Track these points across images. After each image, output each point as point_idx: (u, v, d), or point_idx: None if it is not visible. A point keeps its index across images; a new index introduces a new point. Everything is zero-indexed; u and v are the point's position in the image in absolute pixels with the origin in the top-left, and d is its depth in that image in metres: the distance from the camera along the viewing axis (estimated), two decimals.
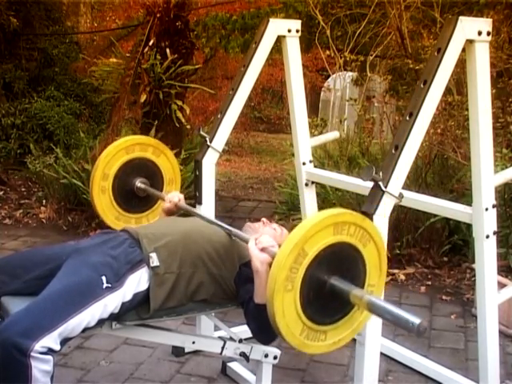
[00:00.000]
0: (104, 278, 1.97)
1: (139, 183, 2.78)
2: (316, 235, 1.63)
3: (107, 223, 2.76)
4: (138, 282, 2.04)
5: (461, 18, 2.12)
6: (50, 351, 1.78)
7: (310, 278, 1.64)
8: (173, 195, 2.59)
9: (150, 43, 5.25)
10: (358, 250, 1.73)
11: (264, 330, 1.96)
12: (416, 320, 1.50)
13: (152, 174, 2.83)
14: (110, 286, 1.96)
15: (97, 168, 2.70)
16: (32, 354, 1.74)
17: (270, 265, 1.81)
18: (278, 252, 1.66)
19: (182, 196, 2.59)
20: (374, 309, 1.62)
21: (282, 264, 1.59)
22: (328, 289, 1.68)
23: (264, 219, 2.47)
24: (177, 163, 2.94)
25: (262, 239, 1.95)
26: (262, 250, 1.92)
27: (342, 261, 1.71)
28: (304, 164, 3.14)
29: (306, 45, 5.80)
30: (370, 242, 1.75)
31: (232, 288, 2.18)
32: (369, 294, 1.69)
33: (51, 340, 1.78)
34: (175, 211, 2.58)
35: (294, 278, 1.61)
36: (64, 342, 1.84)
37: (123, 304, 2.00)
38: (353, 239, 1.71)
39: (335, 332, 1.77)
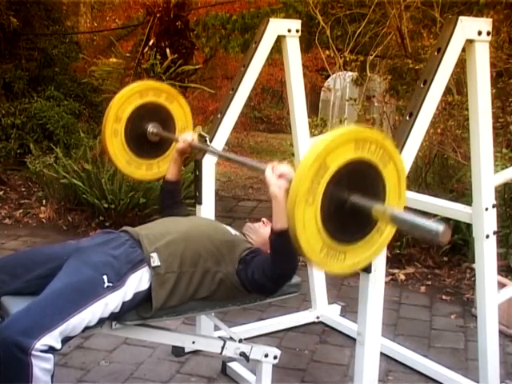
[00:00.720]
0: (105, 277, 1.97)
1: (151, 127, 2.76)
2: (338, 149, 1.61)
3: (118, 167, 2.76)
4: (138, 281, 2.05)
5: (461, 17, 2.12)
6: (51, 350, 1.79)
7: (331, 193, 1.62)
8: (186, 135, 2.59)
9: (150, 43, 5.26)
10: (379, 169, 1.71)
11: (286, 255, 1.95)
12: (439, 227, 1.48)
13: (164, 119, 2.80)
14: (111, 285, 1.97)
15: (110, 109, 2.67)
16: (33, 352, 1.74)
17: (287, 191, 1.77)
18: (299, 165, 1.63)
19: (195, 135, 2.59)
20: (397, 221, 1.61)
21: (303, 175, 1.57)
22: (349, 205, 1.66)
23: (264, 219, 2.47)
24: (189, 111, 2.90)
25: (279, 166, 1.93)
26: (280, 176, 1.90)
27: (362, 179, 1.69)
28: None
29: (306, 45, 5.79)
30: (390, 162, 1.72)
31: (236, 282, 2.17)
32: (391, 207, 1.67)
33: (52, 338, 1.79)
34: (188, 151, 2.60)
35: (316, 191, 1.60)
36: (65, 340, 1.85)
37: (124, 303, 2.00)
38: (374, 157, 1.69)
39: (355, 253, 1.75)
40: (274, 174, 1.91)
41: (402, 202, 1.79)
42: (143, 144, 2.77)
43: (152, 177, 2.86)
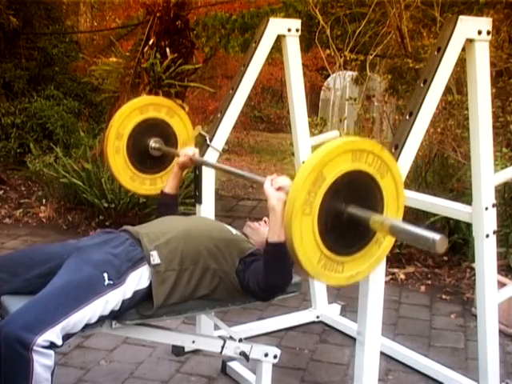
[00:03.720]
0: (106, 275, 1.98)
1: (153, 143, 2.77)
2: (334, 160, 1.62)
3: (122, 183, 2.78)
4: (138, 279, 2.05)
5: (461, 17, 2.12)
6: (52, 346, 1.80)
7: (329, 204, 1.63)
8: (187, 149, 2.61)
9: (150, 42, 5.26)
10: (376, 180, 1.71)
11: (279, 269, 1.95)
12: (436, 236, 1.51)
13: (166, 134, 2.82)
14: (111, 282, 1.97)
15: (111, 127, 2.69)
16: (34, 347, 1.75)
17: (285, 203, 1.77)
18: (296, 175, 1.63)
19: (196, 150, 2.62)
20: (395, 231, 1.61)
21: (300, 186, 1.58)
22: (347, 216, 1.66)
23: (265, 218, 2.47)
24: (190, 125, 2.92)
25: (278, 179, 1.94)
26: (278, 189, 1.91)
27: (360, 190, 1.69)
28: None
29: (306, 44, 5.79)
30: (387, 173, 1.73)
31: (234, 282, 2.17)
32: (389, 218, 1.68)
33: (53, 334, 1.80)
34: (190, 165, 2.63)
35: (313, 202, 1.60)
36: (65, 337, 1.85)
37: (123, 301, 2.00)
38: (371, 168, 1.69)
39: (353, 264, 1.75)
40: (273, 186, 1.92)
41: (400, 212, 1.80)
42: (146, 159, 2.80)
43: (157, 191, 2.88)
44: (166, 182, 2.73)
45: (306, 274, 1.68)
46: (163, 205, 2.65)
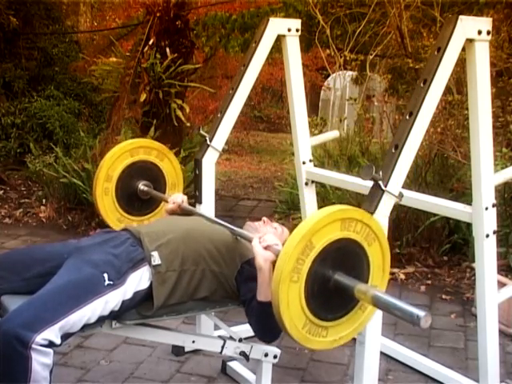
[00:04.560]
0: (106, 275, 1.98)
1: (142, 186, 2.80)
2: (324, 229, 1.65)
3: (109, 224, 2.78)
4: (139, 280, 2.05)
5: (461, 17, 2.12)
6: (51, 344, 1.80)
7: (316, 272, 1.66)
8: (176, 196, 2.61)
9: (150, 42, 5.26)
10: (363, 248, 1.75)
11: (266, 328, 1.98)
12: (421, 313, 1.51)
13: (155, 177, 2.86)
14: (111, 283, 1.97)
15: (101, 169, 2.72)
16: (33, 345, 1.75)
17: (273, 263, 1.82)
18: (285, 243, 1.66)
19: (185, 197, 2.61)
20: (378, 303, 1.63)
21: (289, 254, 1.60)
22: (333, 283, 1.69)
23: (265, 218, 2.48)
24: (179, 167, 2.98)
25: (267, 237, 1.96)
26: (266, 248, 1.93)
27: (347, 257, 1.72)
28: (304, 163, 3.14)
29: (306, 44, 5.79)
30: (375, 241, 1.77)
31: (233, 286, 2.18)
32: (373, 288, 1.70)
33: (52, 333, 1.80)
34: (178, 212, 2.59)
35: (300, 269, 1.63)
36: (64, 337, 1.85)
37: (123, 302, 2.00)
38: (359, 236, 1.73)
39: (337, 329, 1.78)
40: (261, 244, 1.94)
41: (385, 279, 1.83)
42: (134, 202, 2.82)
43: None
44: None
45: (291, 339, 1.71)
46: None
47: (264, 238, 1.96)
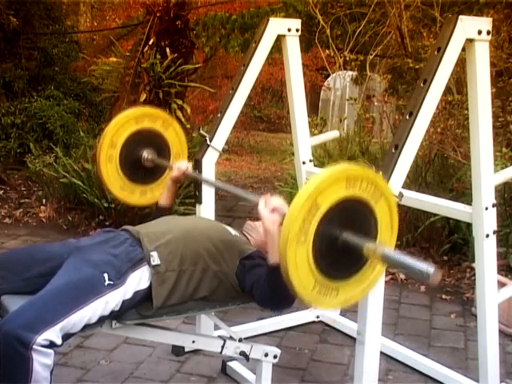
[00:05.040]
0: (106, 275, 1.98)
1: (146, 154, 2.77)
2: (329, 188, 1.63)
3: (112, 192, 2.76)
4: (138, 280, 2.05)
5: (461, 17, 2.12)
6: (52, 345, 1.79)
7: (323, 232, 1.64)
8: (181, 163, 2.60)
9: (150, 42, 5.26)
10: (370, 206, 1.73)
11: (281, 294, 1.95)
12: (430, 269, 1.51)
13: (159, 146, 2.81)
14: (111, 283, 1.97)
15: (105, 135, 2.68)
16: (34, 346, 1.75)
17: (280, 225, 1.79)
18: (291, 204, 1.64)
19: (190, 164, 2.61)
20: (388, 261, 1.63)
21: (295, 215, 1.59)
22: (341, 243, 1.68)
23: None
24: (184, 137, 2.91)
25: (272, 200, 1.93)
26: (273, 210, 1.90)
27: (354, 216, 1.71)
28: (304, 163, 3.14)
29: (306, 44, 5.80)
30: (381, 199, 1.74)
31: (235, 283, 2.18)
32: (382, 246, 1.69)
33: (53, 333, 1.79)
34: (183, 180, 2.61)
35: (307, 230, 1.61)
36: (65, 337, 1.85)
37: (124, 302, 2.00)
38: (365, 195, 1.71)
39: (347, 289, 1.77)
40: (267, 208, 1.92)
41: (394, 236, 1.82)
42: (138, 170, 2.79)
43: (146, 202, 2.87)
44: (156, 195, 2.74)
45: (301, 300, 1.70)
46: (157, 218, 2.64)
47: (269, 200, 1.93)
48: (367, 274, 1.79)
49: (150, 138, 2.77)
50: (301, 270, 1.64)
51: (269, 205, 1.92)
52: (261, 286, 2.06)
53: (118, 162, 2.72)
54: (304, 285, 1.66)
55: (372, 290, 1.90)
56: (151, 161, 2.77)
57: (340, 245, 1.68)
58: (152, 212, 2.72)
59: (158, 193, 2.74)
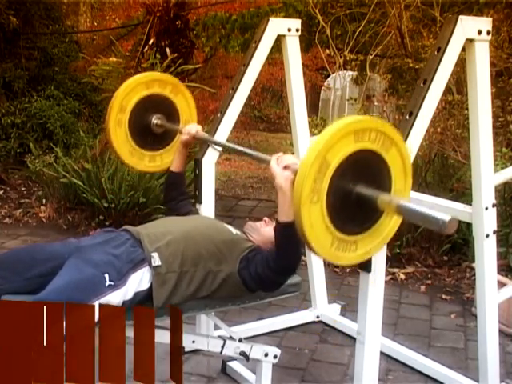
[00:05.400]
0: (107, 276, 1.98)
1: (156, 119, 2.76)
2: (337, 144, 1.61)
3: (121, 157, 2.76)
4: (139, 281, 2.05)
5: (461, 17, 2.12)
6: None
7: (335, 189, 1.63)
8: (190, 127, 2.61)
9: (150, 42, 5.27)
10: (382, 156, 1.71)
11: (289, 251, 1.96)
12: (446, 217, 1.49)
13: (169, 112, 2.80)
14: (112, 283, 1.97)
15: (115, 99, 2.68)
16: None
17: (293, 183, 1.78)
18: (300, 164, 1.63)
19: (199, 127, 2.61)
20: (403, 212, 1.62)
21: (305, 175, 1.58)
22: (354, 197, 1.66)
23: (266, 218, 2.47)
24: (194, 104, 2.91)
25: (284, 157, 1.93)
26: (285, 168, 1.90)
27: (366, 168, 1.69)
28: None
29: (306, 44, 5.80)
30: (392, 146, 1.72)
31: (237, 281, 2.17)
32: (396, 197, 1.67)
33: None
34: (192, 143, 2.62)
35: (319, 189, 1.60)
36: None
37: (124, 303, 2.00)
38: (375, 145, 1.68)
39: (366, 241, 1.76)
40: (279, 165, 1.91)
41: (408, 185, 1.79)
42: (147, 135, 2.77)
43: (155, 169, 2.86)
44: (165, 161, 2.73)
45: (321, 258, 1.68)
46: (170, 183, 2.65)
47: (282, 158, 1.93)
48: (385, 224, 1.77)
49: (159, 104, 2.76)
50: (317, 228, 1.63)
51: (281, 162, 1.91)
52: (265, 256, 2.06)
53: (128, 127, 2.71)
54: (322, 243, 1.65)
55: (390, 238, 1.84)
56: (161, 126, 2.76)
57: (354, 199, 1.66)
58: (165, 178, 2.71)
59: (168, 159, 2.75)
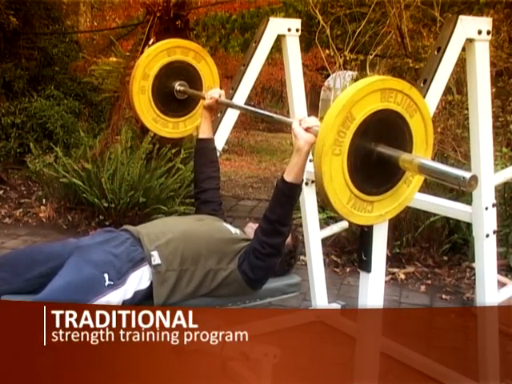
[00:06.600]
0: (106, 276, 1.98)
1: (179, 86, 2.76)
2: (363, 100, 1.61)
3: (145, 123, 2.76)
4: (139, 280, 2.05)
5: (461, 17, 2.12)
6: None
7: (358, 144, 1.63)
8: (213, 91, 2.59)
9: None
10: (405, 119, 1.71)
11: (284, 215, 1.98)
12: (466, 174, 1.50)
13: (192, 78, 2.80)
14: (112, 283, 1.98)
15: (138, 66, 2.68)
16: None
17: (312, 145, 1.79)
18: (325, 116, 1.63)
19: (222, 92, 2.59)
20: (424, 170, 1.61)
21: (330, 126, 1.58)
22: (376, 155, 1.67)
23: None
24: (216, 70, 2.90)
25: (307, 119, 1.91)
26: (307, 130, 1.88)
27: (389, 129, 1.69)
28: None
29: (306, 44, 5.80)
30: (416, 112, 1.72)
31: (238, 279, 2.17)
32: (418, 156, 1.67)
33: None
34: (216, 108, 2.62)
35: (342, 142, 1.60)
36: None
37: (124, 302, 2.01)
38: (400, 108, 1.69)
39: (382, 204, 1.75)
40: (302, 126, 1.89)
41: (429, 151, 1.79)
42: (170, 102, 2.77)
43: (178, 135, 2.86)
44: (188, 127, 2.76)
45: (336, 214, 1.69)
46: (199, 150, 2.61)
47: (305, 119, 1.91)
48: (402, 189, 1.77)
49: (182, 70, 2.76)
50: (336, 181, 1.63)
51: (304, 123, 1.89)
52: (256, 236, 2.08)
53: (151, 94, 2.71)
54: (339, 198, 1.65)
55: (406, 205, 1.84)
56: (184, 92, 2.76)
57: (375, 158, 1.67)
58: (195, 147, 2.68)
59: (191, 125, 2.76)
